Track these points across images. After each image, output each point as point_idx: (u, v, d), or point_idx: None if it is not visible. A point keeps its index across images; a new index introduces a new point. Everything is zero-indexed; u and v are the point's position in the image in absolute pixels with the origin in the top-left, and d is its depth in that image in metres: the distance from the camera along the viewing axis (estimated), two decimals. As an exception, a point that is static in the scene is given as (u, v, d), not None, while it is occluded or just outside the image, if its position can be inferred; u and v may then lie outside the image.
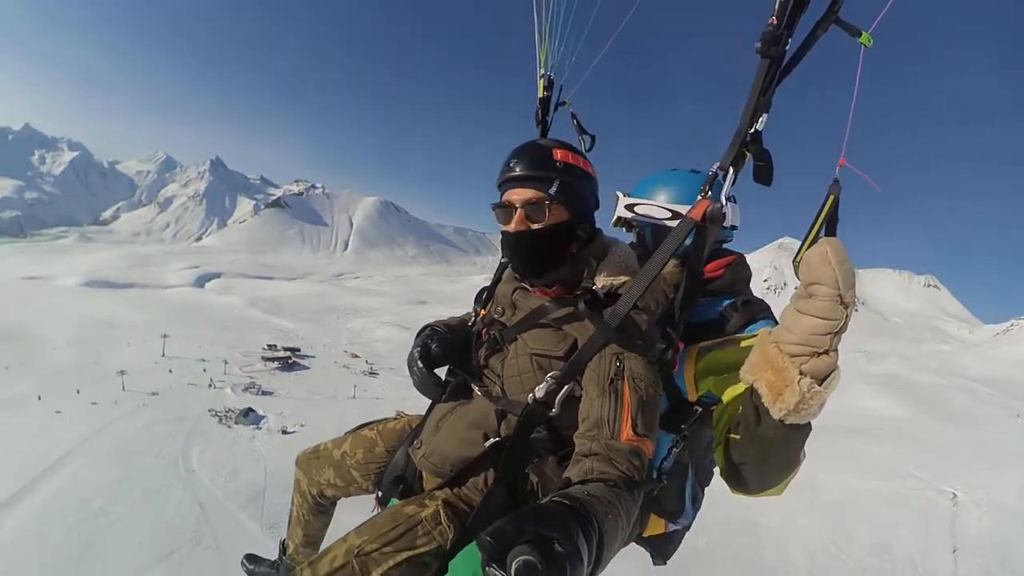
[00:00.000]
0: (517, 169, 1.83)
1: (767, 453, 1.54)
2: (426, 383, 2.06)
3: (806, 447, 1.51)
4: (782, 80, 1.54)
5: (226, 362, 77.25)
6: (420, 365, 2.05)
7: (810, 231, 1.46)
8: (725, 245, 2.33)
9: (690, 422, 1.96)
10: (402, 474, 2.17)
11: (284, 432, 50.63)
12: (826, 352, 1.28)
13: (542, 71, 2.48)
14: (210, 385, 64.95)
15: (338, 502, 2.58)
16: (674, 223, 1.91)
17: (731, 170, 1.61)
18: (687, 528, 2.28)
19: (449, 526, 1.74)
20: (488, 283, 2.27)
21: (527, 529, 0.89)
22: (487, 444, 1.83)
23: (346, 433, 2.49)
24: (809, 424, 1.43)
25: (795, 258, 1.38)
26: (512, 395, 1.84)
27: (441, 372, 2.12)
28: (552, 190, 1.79)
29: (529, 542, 0.86)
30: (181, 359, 76.52)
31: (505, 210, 1.87)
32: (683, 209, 2.06)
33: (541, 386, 1.68)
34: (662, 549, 2.36)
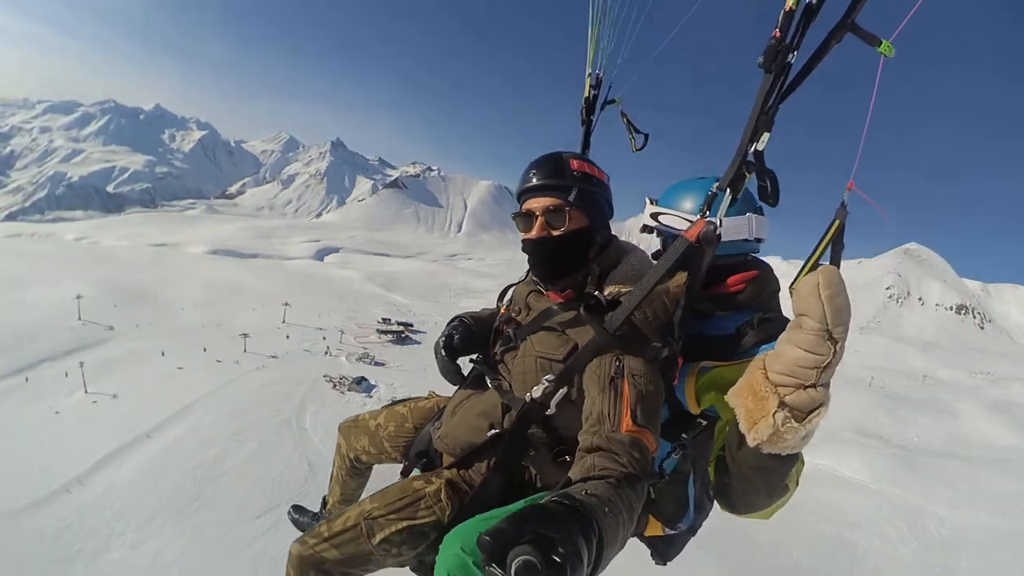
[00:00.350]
0: (536, 179, 2.00)
1: (749, 477, 1.58)
2: (447, 370, 2.35)
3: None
4: (787, 97, 1.51)
5: (342, 332, 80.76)
6: (443, 353, 2.33)
7: (811, 257, 1.46)
8: (755, 255, 2.32)
9: (693, 434, 2.01)
10: (426, 449, 2.39)
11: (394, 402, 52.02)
12: (813, 386, 1.26)
13: (590, 69, 2.55)
14: (326, 352, 67.99)
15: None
16: None
17: (728, 191, 1.62)
18: (692, 533, 2.38)
19: (448, 503, 1.97)
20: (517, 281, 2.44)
21: (527, 529, 0.91)
22: (489, 434, 2.02)
23: (383, 407, 2.78)
24: (797, 455, 1.43)
25: (792, 284, 1.36)
26: (517, 392, 2.00)
27: (466, 361, 2.36)
28: (571, 198, 1.96)
29: (529, 542, 0.89)
30: (300, 326, 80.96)
31: (526, 218, 2.04)
32: None
33: (538, 387, 1.84)
34: (663, 550, 2.46)
